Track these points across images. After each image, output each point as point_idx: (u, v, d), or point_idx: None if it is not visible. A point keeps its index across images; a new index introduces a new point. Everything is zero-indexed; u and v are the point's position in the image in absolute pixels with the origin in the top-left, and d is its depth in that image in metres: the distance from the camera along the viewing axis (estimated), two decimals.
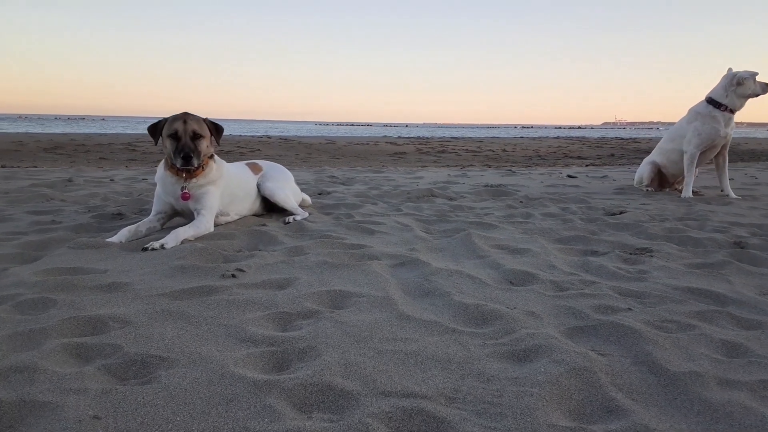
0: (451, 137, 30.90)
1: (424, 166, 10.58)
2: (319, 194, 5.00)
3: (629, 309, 1.98)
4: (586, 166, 10.72)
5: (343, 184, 6.01)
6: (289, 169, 4.09)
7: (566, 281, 2.33)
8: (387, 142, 22.51)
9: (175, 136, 3.00)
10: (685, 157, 5.13)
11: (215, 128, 3.16)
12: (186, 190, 3.08)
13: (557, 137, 33.73)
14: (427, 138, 28.65)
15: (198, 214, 3.11)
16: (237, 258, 2.57)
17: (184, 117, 3.04)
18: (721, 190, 5.24)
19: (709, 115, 5.02)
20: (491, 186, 5.71)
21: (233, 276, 2.25)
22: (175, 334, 1.65)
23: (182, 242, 2.84)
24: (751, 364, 1.55)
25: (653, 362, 1.54)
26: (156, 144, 3.11)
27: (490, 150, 18.00)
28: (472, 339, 1.70)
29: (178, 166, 3.00)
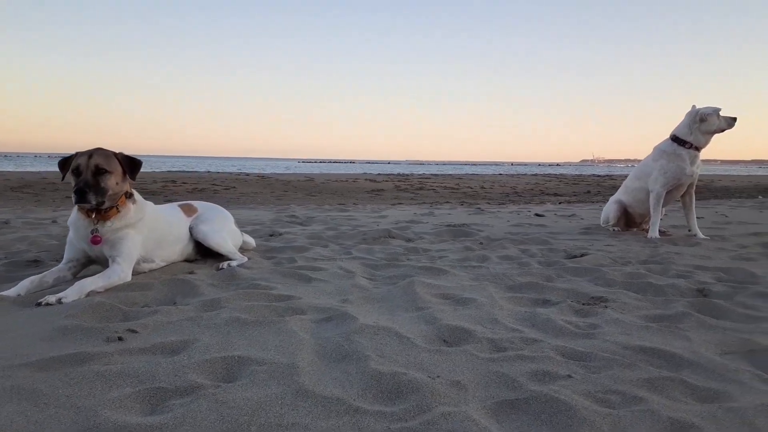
0: (431, 174, 30.96)
1: (399, 204, 10.39)
2: (271, 235, 4.72)
3: (569, 376, 1.72)
4: (559, 203, 10.60)
5: (301, 224, 5.74)
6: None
7: (506, 339, 2.06)
8: (366, 179, 22.41)
9: (77, 172, 2.73)
10: (651, 197, 4.96)
11: (130, 163, 2.86)
12: (97, 233, 2.78)
13: (535, 174, 34.00)
14: (407, 175, 28.66)
15: (113, 261, 2.80)
16: (137, 315, 2.26)
17: (91, 152, 2.76)
18: (689, 230, 5.06)
19: (674, 153, 4.88)
20: (453, 226, 5.48)
21: (120, 339, 1.94)
22: (6, 423, 1.34)
23: (88, 295, 2.53)
24: None
25: None
26: (63, 180, 2.83)
27: (468, 187, 17.97)
28: (376, 422, 1.41)
29: (74, 203, 2.72)
